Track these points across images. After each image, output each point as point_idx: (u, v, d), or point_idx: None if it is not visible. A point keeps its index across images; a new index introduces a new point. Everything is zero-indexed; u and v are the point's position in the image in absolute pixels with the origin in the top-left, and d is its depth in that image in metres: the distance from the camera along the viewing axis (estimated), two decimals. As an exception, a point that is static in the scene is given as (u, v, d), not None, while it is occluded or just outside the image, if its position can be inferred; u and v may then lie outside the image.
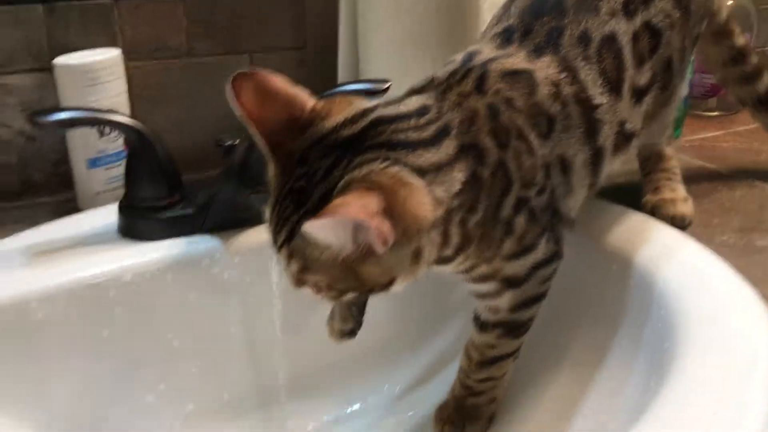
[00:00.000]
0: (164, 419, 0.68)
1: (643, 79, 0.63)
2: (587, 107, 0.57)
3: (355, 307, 0.64)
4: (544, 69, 0.57)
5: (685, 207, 0.74)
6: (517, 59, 0.57)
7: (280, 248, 0.50)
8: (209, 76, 0.87)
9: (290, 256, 0.49)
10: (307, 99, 0.53)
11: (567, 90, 0.57)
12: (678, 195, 0.75)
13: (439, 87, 0.54)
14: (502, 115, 0.53)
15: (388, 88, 0.72)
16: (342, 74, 0.86)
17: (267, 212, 0.51)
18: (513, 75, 0.55)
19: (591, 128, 0.58)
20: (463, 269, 0.56)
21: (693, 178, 0.87)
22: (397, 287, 0.51)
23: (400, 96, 0.54)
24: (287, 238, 0.49)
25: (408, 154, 0.48)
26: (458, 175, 0.50)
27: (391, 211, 0.44)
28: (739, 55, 0.82)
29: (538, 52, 0.58)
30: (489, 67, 0.55)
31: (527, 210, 0.55)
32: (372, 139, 0.49)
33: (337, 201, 0.44)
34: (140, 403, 0.66)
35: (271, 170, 0.51)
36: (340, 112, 0.51)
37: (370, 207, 0.43)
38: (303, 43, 0.91)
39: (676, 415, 0.46)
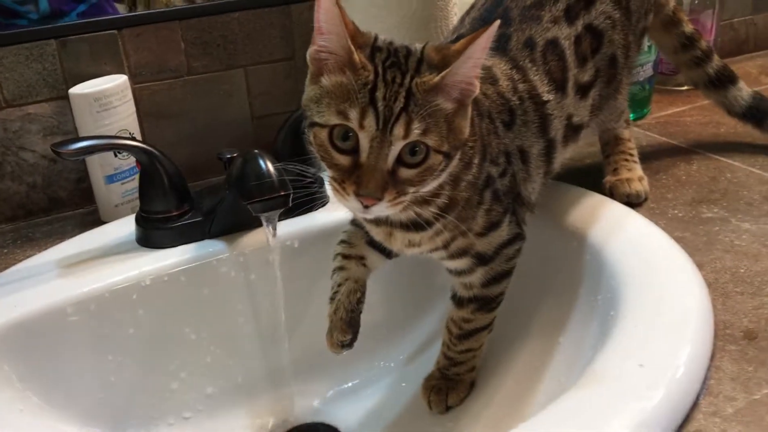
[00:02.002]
0: (188, 402, 0.77)
1: (587, 76, 0.71)
2: (539, 103, 0.65)
3: (354, 316, 0.68)
4: (499, 66, 0.65)
5: (640, 185, 0.81)
6: None
7: (397, 118, 0.52)
8: (208, 91, 0.95)
9: (409, 122, 0.52)
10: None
11: (521, 86, 0.65)
12: (634, 174, 0.83)
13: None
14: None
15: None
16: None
17: (353, 109, 0.52)
18: None
19: (543, 123, 0.66)
20: (442, 243, 0.63)
21: (656, 154, 0.95)
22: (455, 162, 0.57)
23: None
24: (404, 106, 0.52)
25: None
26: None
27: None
28: (689, 41, 0.89)
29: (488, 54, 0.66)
30: None
31: (492, 189, 0.63)
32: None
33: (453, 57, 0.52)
34: (166, 389, 0.76)
35: (345, 75, 0.53)
36: None
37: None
38: (291, 54, 0.99)
39: (611, 371, 0.54)
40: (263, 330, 0.79)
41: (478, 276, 0.67)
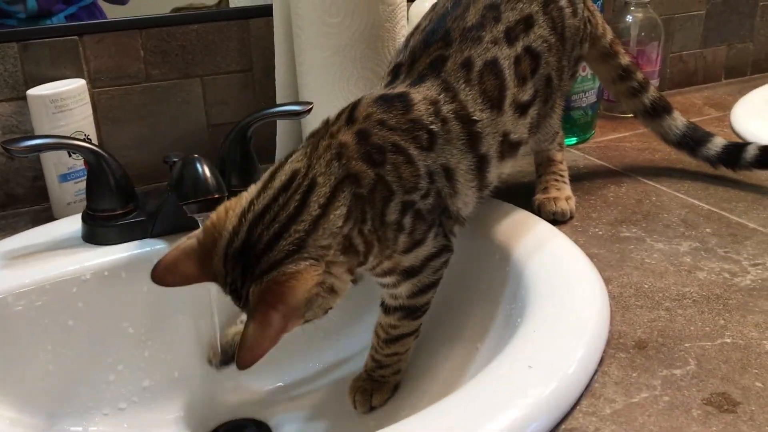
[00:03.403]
0: (124, 393, 0.80)
1: (526, 95, 0.74)
2: (467, 122, 0.68)
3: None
4: (423, 92, 0.68)
5: (566, 204, 0.86)
6: (397, 89, 0.69)
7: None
8: (165, 98, 0.99)
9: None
10: (196, 240, 0.62)
11: (446, 108, 0.68)
12: (562, 194, 0.87)
13: (315, 137, 0.64)
14: (373, 136, 0.63)
15: (310, 109, 0.84)
16: (279, 94, 0.98)
17: None
18: (386, 99, 0.66)
19: (472, 140, 0.69)
20: (371, 267, 0.67)
21: (590, 176, 0.99)
22: (338, 302, 0.63)
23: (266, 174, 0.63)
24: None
25: (282, 241, 0.57)
26: (337, 212, 0.59)
27: (287, 311, 0.57)
28: (625, 73, 0.94)
29: (420, 79, 0.69)
30: (362, 98, 0.67)
31: (413, 211, 0.65)
32: (254, 246, 0.58)
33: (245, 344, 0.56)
34: (103, 381, 0.79)
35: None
36: (223, 222, 0.61)
37: (273, 328, 0.56)
38: (249, 66, 1.03)
39: (501, 372, 0.58)
40: (200, 328, 0.83)
41: (404, 288, 0.70)
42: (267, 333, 0.56)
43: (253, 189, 0.62)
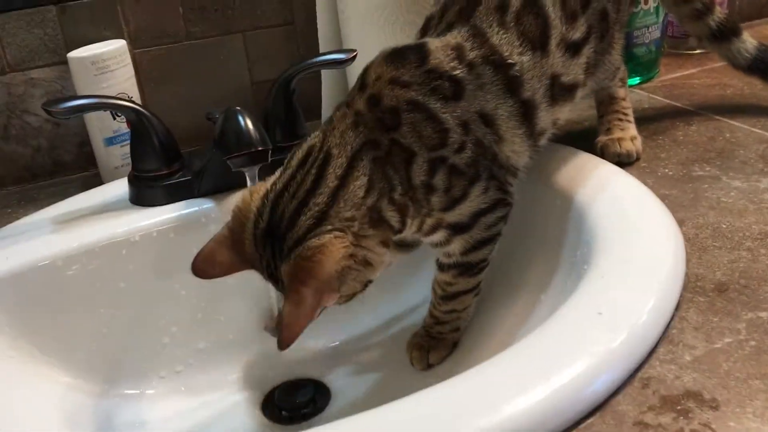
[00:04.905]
0: (179, 356, 0.79)
1: (578, 33, 0.68)
2: (500, 66, 0.62)
3: None
4: (445, 40, 0.62)
5: (631, 145, 0.80)
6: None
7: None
8: (207, 56, 0.97)
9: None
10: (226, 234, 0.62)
11: (473, 54, 0.62)
12: (627, 134, 0.81)
13: (336, 109, 0.61)
14: (385, 99, 0.59)
15: (354, 56, 0.80)
16: (322, 45, 0.95)
17: None
18: (398, 54, 0.61)
19: (511, 84, 0.63)
20: (415, 230, 0.63)
21: (656, 116, 0.93)
22: (377, 275, 0.61)
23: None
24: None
25: (303, 216, 0.56)
26: (357, 183, 0.57)
27: (319, 285, 0.55)
28: None
29: (447, 28, 0.64)
30: (375, 57, 0.62)
31: (446, 168, 0.60)
32: (278, 225, 0.57)
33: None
34: (158, 343, 0.78)
35: None
36: (248, 205, 0.60)
37: (306, 304, 0.54)
38: (291, 19, 0.99)
39: (570, 320, 0.54)
40: (251, 286, 0.80)
41: (456, 245, 0.66)
42: (301, 310, 0.54)
43: (277, 172, 0.61)
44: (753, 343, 0.51)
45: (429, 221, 0.63)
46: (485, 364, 0.51)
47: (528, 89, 0.65)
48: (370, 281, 0.61)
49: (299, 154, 0.60)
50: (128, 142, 0.89)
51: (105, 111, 0.86)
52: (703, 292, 0.57)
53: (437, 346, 0.74)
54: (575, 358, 0.49)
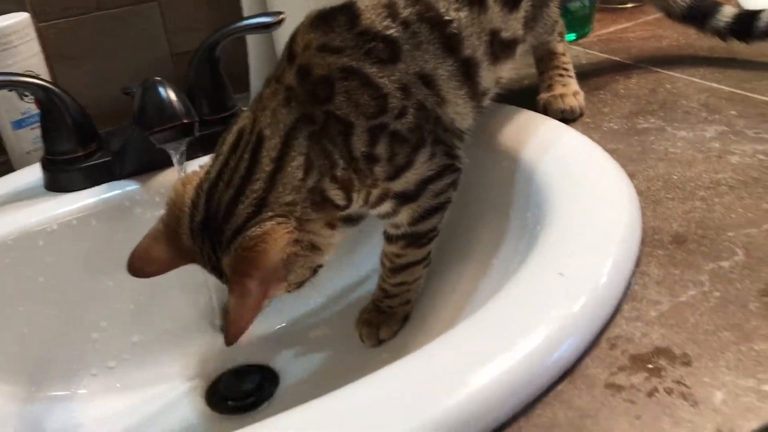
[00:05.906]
0: (112, 351, 0.74)
1: None
2: (437, 23, 0.59)
3: None
4: None
5: (574, 100, 0.77)
6: None
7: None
8: (121, 28, 0.90)
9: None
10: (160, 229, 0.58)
11: (406, 12, 0.58)
12: (568, 90, 0.79)
13: (264, 85, 0.57)
14: (315, 68, 0.55)
15: (281, 20, 0.75)
16: (246, 8, 0.89)
17: None
18: (324, 18, 0.56)
19: (449, 42, 0.60)
20: (361, 204, 0.59)
21: (595, 71, 0.91)
22: (327, 258, 0.58)
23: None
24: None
25: (240, 205, 0.52)
26: (294, 164, 0.53)
27: (263, 276, 0.51)
28: None
29: None
30: (300, 24, 0.57)
31: (387, 135, 0.57)
32: (214, 216, 0.53)
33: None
34: (86, 340, 0.73)
35: None
36: (182, 197, 0.56)
37: (252, 297, 0.51)
38: (212, -16, 0.93)
39: (530, 282, 0.51)
40: (188, 275, 0.75)
41: (404, 216, 0.62)
42: (247, 303, 0.51)
43: (209, 159, 0.57)
44: (717, 294, 0.49)
45: (375, 192, 0.59)
46: (445, 337, 0.47)
47: (468, 47, 0.61)
48: (320, 266, 0.58)
49: (230, 138, 0.56)
50: (39, 123, 0.82)
51: (10, 90, 0.78)
52: (661, 245, 0.55)
53: (387, 320, 0.71)
54: (537, 323, 0.46)
